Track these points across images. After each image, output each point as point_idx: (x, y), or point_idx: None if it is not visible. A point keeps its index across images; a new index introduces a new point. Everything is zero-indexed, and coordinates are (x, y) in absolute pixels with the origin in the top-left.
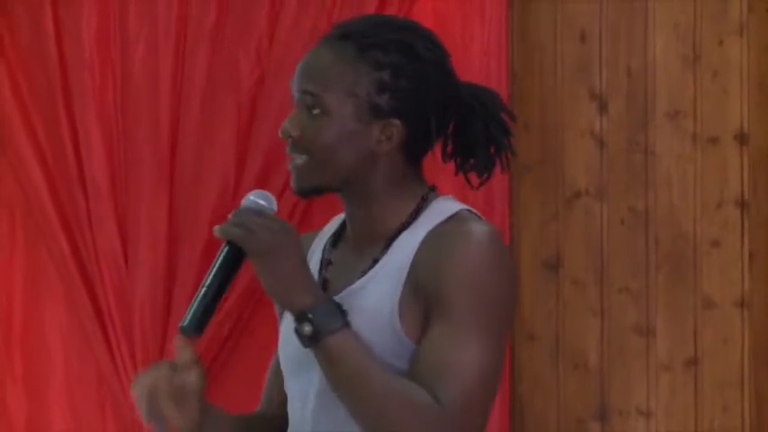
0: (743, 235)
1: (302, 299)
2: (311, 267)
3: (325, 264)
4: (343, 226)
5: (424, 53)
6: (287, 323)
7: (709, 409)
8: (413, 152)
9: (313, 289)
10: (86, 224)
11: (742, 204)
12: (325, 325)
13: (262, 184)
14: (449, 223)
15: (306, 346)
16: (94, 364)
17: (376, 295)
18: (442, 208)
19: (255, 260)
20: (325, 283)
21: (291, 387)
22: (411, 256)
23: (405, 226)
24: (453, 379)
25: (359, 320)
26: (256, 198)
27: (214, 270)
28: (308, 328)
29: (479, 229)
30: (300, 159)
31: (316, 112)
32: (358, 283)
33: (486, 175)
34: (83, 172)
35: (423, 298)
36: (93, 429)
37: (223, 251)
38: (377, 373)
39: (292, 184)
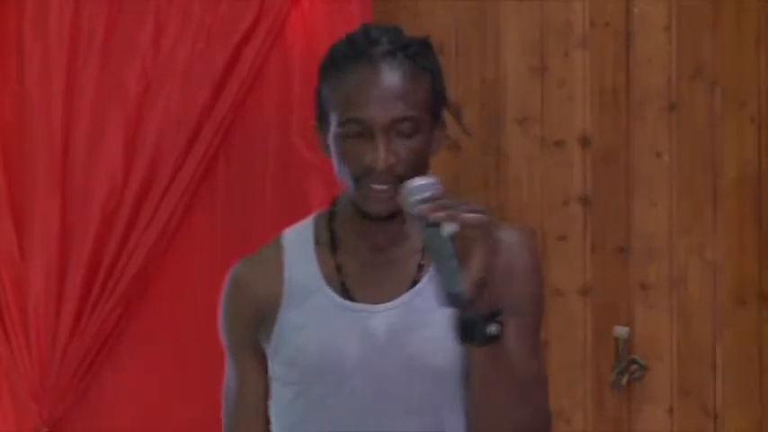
0: (585, 229)
1: (491, 297)
2: (310, 275)
3: (336, 269)
4: (329, 234)
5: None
6: (311, 322)
7: (554, 391)
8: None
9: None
10: None
11: (584, 201)
12: (500, 327)
13: (147, 183)
14: (499, 232)
15: (480, 344)
16: None
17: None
18: None
19: (487, 250)
20: (343, 287)
21: (336, 393)
22: None
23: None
24: (543, 385)
25: (440, 318)
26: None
27: (449, 250)
28: (494, 328)
29: (531, 233)
30: (390, 186)
31: (408, 133)
32: (413, 292)
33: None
34: None
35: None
36: None
37: (441, 237)
38: (533, 372)
39: (376, 207)
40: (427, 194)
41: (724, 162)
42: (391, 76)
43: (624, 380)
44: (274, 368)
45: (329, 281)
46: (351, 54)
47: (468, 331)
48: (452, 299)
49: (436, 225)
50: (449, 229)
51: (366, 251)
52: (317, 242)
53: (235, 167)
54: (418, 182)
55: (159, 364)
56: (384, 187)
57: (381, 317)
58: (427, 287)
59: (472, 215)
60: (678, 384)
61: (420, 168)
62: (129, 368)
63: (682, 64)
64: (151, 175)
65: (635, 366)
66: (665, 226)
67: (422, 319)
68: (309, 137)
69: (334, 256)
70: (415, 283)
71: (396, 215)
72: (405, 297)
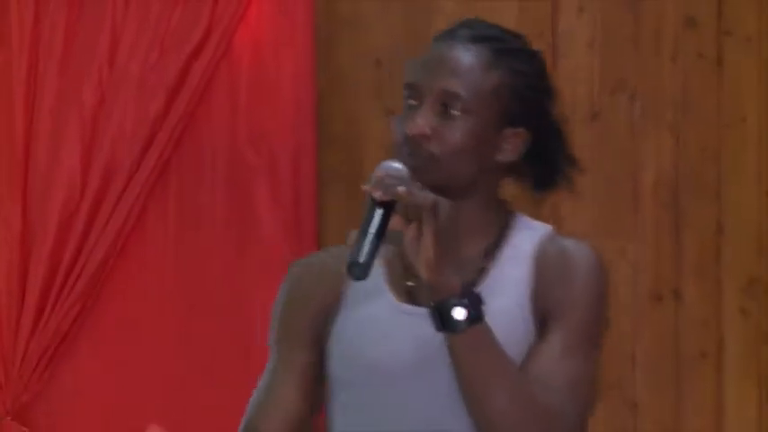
0: None
1: (454, 280)
2: (375, 276)
3: (404, 269)
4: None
5: (547, 69)
6: (370, 323)
7: None
8: (520, 165)
9: (457, 274)
10: None
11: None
12: (476, 310)
13: (105, 186)
14: (562, 241)
15: (448, 330)
16: None
17: (498, 304)
18: (529, 224)
19: (430, 229)
20: (407, 290)
21: (389, 394)
22: (528, 270)
23: (501, 240)
24: (574, 392)
25: (493, 325)
26: (400, 166)
27: (375, 226)
28: (459, 312)
29: (594, 251)
30: (421, 159)
31: (454, 112)
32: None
33: (542, 190)
34: None
35: (543, 308)
36: None
37: (376, 212)
38: (513, 368)
39: None
40: (380, 173)
41: (643, 169)
42: (458, 53)
43: None
44: (330, 365)
45: (394, 282)
46: (441, 34)
47: (438, 317)
48: (349, 267)
49: (375, 202)
50: (374, 195)
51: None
52: (389, 242)
53: (186, 173)
54: (385, 164)
55: (116, 360)
56: (413, 160)
57: None
58: (487, 291)
59: (403, 189)
60: (601, 377)
61: (463, 160)
62: (87, 363)
63: (604, 77)
64: (107, 181)
65: None
66: (591, 229)
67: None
68: (257, 144)
69: (404, 256)
70: (473, 284)
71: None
72: None
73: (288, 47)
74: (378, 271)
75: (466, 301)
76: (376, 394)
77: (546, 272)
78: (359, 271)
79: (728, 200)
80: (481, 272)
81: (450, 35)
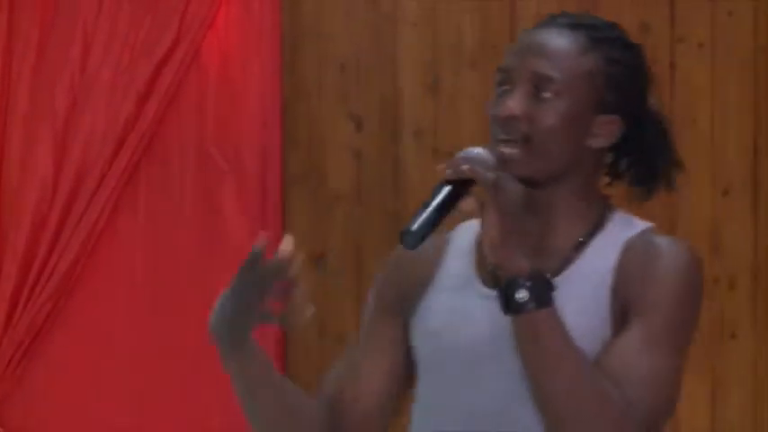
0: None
1: (522, 263)
2: (466, 264)
3: (478, 265)
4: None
5: (645, 59)
6: (455, 306)
7: None
8: (619, 156)
9: (529, 257)
10: None
11: None
12: (538, 295)
13: (76, 189)
14: (654, 236)
15: (512, 312)
16: None
17: (577, 295)
18: (629, 220)
19: (494, 209)
20: (494, 276)
21: (464, 376)
22: (613, 263)
23: (594, 231)
24: (647, 387)
25: (570, 315)
26: (482, 151)
27: (437, 201)
28: (523, 294)
29: (690, 250)
30: (515, 147)
31: (547, 95)
32: (559, 279)
33: (648, 188)
34: None
35: (624, 302)
36: None
37: (442, 189)
38: (578, 355)
39: (502, 165)
40: (458, 155)
41: None
42: (552, 38)
43: None
44: (412, 345)
45: (482, 271)
46: (540, 22)
47: (502, 298)
48: (401, 235)
49: (445, 180)
50: (446, 175)
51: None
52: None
53: (156, 175)
54: (468, 149)
55: (88, 357)
56: (506, 137)
57: None
58: (567, 279)
59: (467, 167)
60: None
61: (555, 142)
62: (59, 360)
63: None
64: (79, 182)
65: None
66: None
67: (561, 303)
68: (224, 147)
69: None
70: (557, 274)
71: (538, 192)
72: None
73: (254, 53)
74: (469, 260)
75: (530, 284)
76: (452, 376)
77: (630, 266)
78: (409, 239)
79: (681, 200)
80: (566, 262)
81: (546, 22)
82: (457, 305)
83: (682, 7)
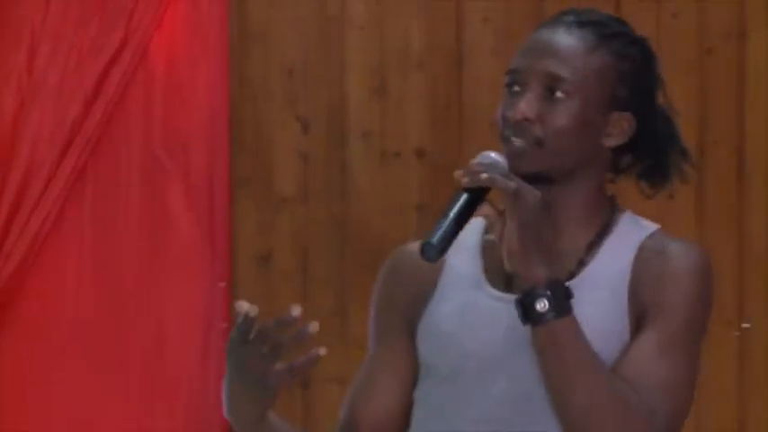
0: (420, 234)
1: (541, 272)
2: (472, 266)
3: (488, 268)
4: (501, 224)
5: (653, 53)
6: (465, 309)
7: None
8: (628, 153)
9: (549, 266)
10: None
11: (420, 208)
12: (561, 303)
13: (23, 189)
14: (667, 239)
15: (532, 322)
16: None
17: (595, 298)
18: (637, 221)
19: (514, 217)
20: (506, 280)
21: (477, 380)
22: (628, 265)
23: (605, 232)
24: (667, 393)
25: (585, 316)
26: (497, 157)
27: (455, 211)
28: (542, 304)
29: (702, 253)
30: (526, 143)
31: (559, 95)
32: (575, 281)
33: (662, 185)
34: None
35: (639, 306)
36: None
37: (460, 198)
38: (599, 364)
39: (513, 163)
40: (474, 161)
41: None
42: (562, 37)
43: None
44: (420, 351)
45: (491, 273)
46: (547, 20)
47: (522, 308)
48: (422, 248)
49: (462, 189)
50: (462, 181)
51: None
52: (486, 233)
53: (103, 177)
54: (483, 154)
55: (34, 358)
56: (519, 140)
57: None
58: (582, 284)
59: (486, 176)
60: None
61: (569, 142)
62: (6, 360)
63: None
64: (26, 184)
65: None
66: None
67: (576, 307)
68: (171, 149)
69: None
70: (572, 276)
71: (550, 191)
72: None
73: (202, 55)
74: (475, 260)
75: (550, 293)
76: (464, 379)
77: (644, 269)
78: (431, 251)
79: (627, 202)
80: (580, 264)
81: (553, 21)
82: (467, 308)
83: (627, 9)
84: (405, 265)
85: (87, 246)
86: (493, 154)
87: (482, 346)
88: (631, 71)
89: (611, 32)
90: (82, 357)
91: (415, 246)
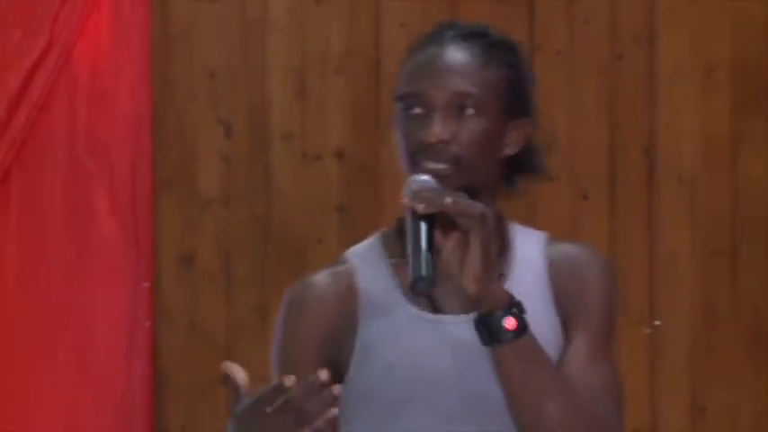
0: (341, 233)
1: (501, 289)
2: (388, 289)
3: (411, 287)
4: (401, 247)
5: (525, 55)
6: (408, 335)
7: None
8: (516, 159)
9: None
10: None
11: (340, 209)
12: (523, 320)
13: None
14: (564, 246)
15: (497, 341)
16: None
17: (528, 310)
18: (526, 230)
19: (478, 239)
20: (429, 299)
21: (428, 402)
22: (544, 275)
23: (508, 245)
24: (610, 394)
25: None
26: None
27: (425, 240)
28: (510, 321)
29: (599, 253)
30: (444, 165)
31: (469, 112)
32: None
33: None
34: None
35: (564, 315)
36: None
37: (422, 227)
38: (561, 375)
39: None
40: (415, 187)
41: None
42: (456, 54)
43: None
44: (361, 385)
45: (408, 294)
46: (426, 38)
47: (486, 329)
48: (416, 283)
49: (419, 216)
50: (418, 209)
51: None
52: (390, 256)
53: (28, 181)
54: (414, 178)
55: None
56: (438, 165)
57: (468, 327)
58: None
59: (450, 200)
60: None
61: (482, 157)
62: None
63: None
64: None
65: None
66: None
67: None
68: (95, 152)
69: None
70: None
71: None
72: None
73: (125, 59)
74: (388, 283)
75: (515, 310)
76: (414, 406)
77: (562, 279)
78: (424, 285)
79: (541, 202)
80: (501, 277)
81: (437, 38)
82: (401, 334)
83: (540, 15)
84: (311, 301)
85: (13, 248)
86: (424, 177)
87: (429, 369)
88: (518, 77)
89: (493, 42)
90: (7, 357)
91: (318, 277)
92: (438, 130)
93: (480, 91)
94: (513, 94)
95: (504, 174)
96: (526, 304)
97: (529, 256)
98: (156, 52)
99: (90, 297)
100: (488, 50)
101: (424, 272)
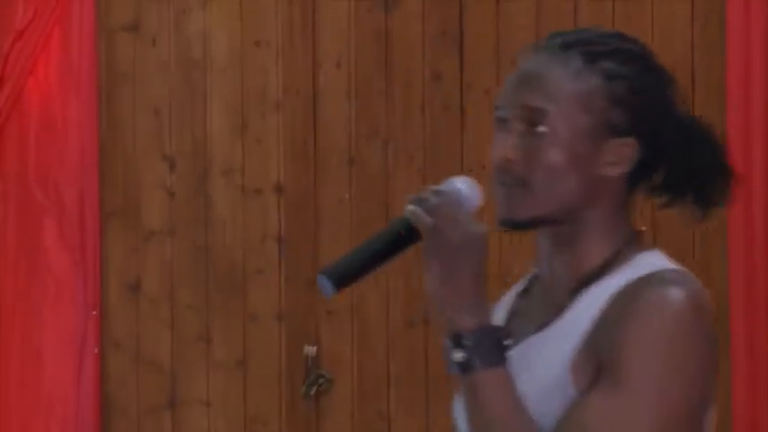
0: (280, 264)
1: (464, 319)
2: (497, 318)
3: (510, 315)
4: (533, 276)
5: (658, 65)
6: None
7: (254, 400)
8: (638, 180)
9: (480, 312)
10: None
11: (280, 240)
12: (479, 356)
13: None
14: (644, 282)
15: (452, 372)
16: None
17: (550, 352)
18: (643, 262)
19: (432, 258)
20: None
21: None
22: (596, 312)
23: (597, 275)
24: None
25: (526, 378)
26: (461, 186)
27: (381, 242)
28: (459, 355)
29: (675, 295)
30: (509, 187)
31: (541, 129)
32: (536, 337)
33: (710, 208)
34: None
35: (597, 356)
36: None
37: (396, 227)
38: (525, 422)
39: (500, 213)
40: (425, 194)
41: (395, 206)
42: (537, 65)
43: (313, 391)
44: None
45: (505, 322)
46: (531, 46)
47: (444, 353)
48: (320, 271)
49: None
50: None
51: (538, 290)
52: (525, 286)
53: None
54: (459, 183)
55: None
56: (503, 187)
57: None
58: (545, 340)
59: (411, 208)
60: (358, 394)
61: (560, 180)
62: None
63: (360, 125)
64: None
65: (322, 380)
66: None
67: (534, 360)
68: (45, 185)
69: (520, 299)
70: (544, 326)
71: (555, 233)
72: (522, 345)
73: (73, 96)
74: (500, 313)
75: (473, 342)
76: None
77: (607, 315)
78: (324, 278)
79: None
80: (559, 310)
81: (538, 46)
82: None
83: (470, 56)
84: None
85: None
86: (458, 182)
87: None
88: (626, 90)
89: (599, 51)
90: None
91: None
92: (503, 147)
93: (557, 106)
94: (616, 108)
95: (621, 199)
96: (556, 348)
97: (603, 291)
98: (103, 90)
99: (40, 325)
100: (588, 61)
101: (333, 268)
